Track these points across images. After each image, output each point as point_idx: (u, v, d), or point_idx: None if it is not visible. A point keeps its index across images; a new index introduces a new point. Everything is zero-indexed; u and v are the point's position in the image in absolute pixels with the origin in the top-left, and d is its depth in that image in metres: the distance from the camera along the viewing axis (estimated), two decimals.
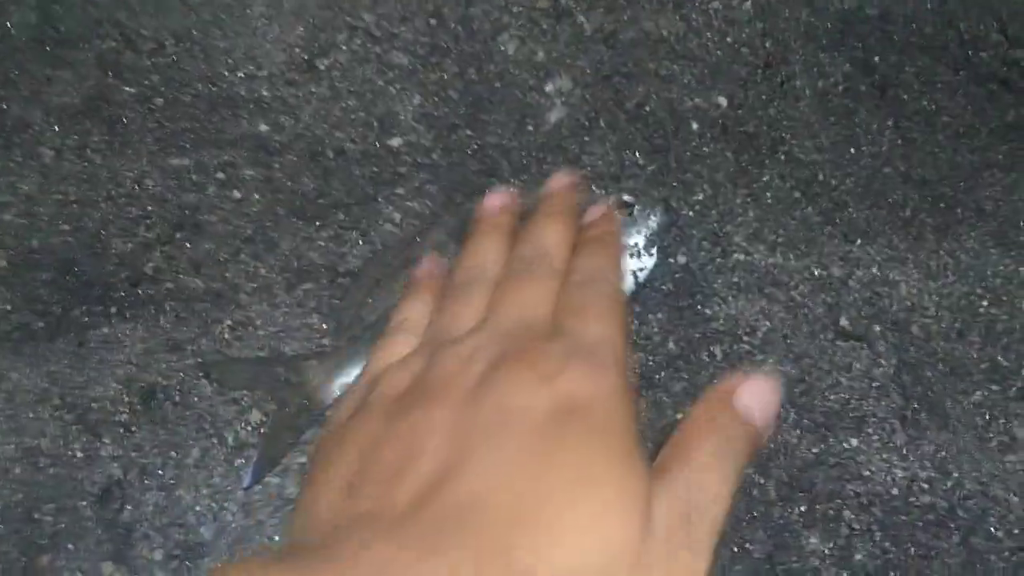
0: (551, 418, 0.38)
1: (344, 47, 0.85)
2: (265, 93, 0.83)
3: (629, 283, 0.71)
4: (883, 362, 0.71)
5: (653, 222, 0.72)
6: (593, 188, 0.77)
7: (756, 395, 0.43)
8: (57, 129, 0.82)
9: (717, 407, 0.42)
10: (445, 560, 0.34)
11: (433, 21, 0.86)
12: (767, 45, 0.84)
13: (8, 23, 0.91)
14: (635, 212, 0.72)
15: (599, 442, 0.38)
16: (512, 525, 0.35)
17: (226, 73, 0.84)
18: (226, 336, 0.74)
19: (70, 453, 0.70)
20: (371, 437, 0.41)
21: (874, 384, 0.70)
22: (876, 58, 0.84)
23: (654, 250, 0.71)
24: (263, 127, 0.81)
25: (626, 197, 0.73)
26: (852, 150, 0.81)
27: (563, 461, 0.37)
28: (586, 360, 0.41)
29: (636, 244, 0.71)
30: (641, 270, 0.71)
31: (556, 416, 0.38)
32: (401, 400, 0.43)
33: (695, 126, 0.81)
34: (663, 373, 0.71)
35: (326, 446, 0.44)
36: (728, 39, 0.85)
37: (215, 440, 0.71)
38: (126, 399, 0.72)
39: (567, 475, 0.37)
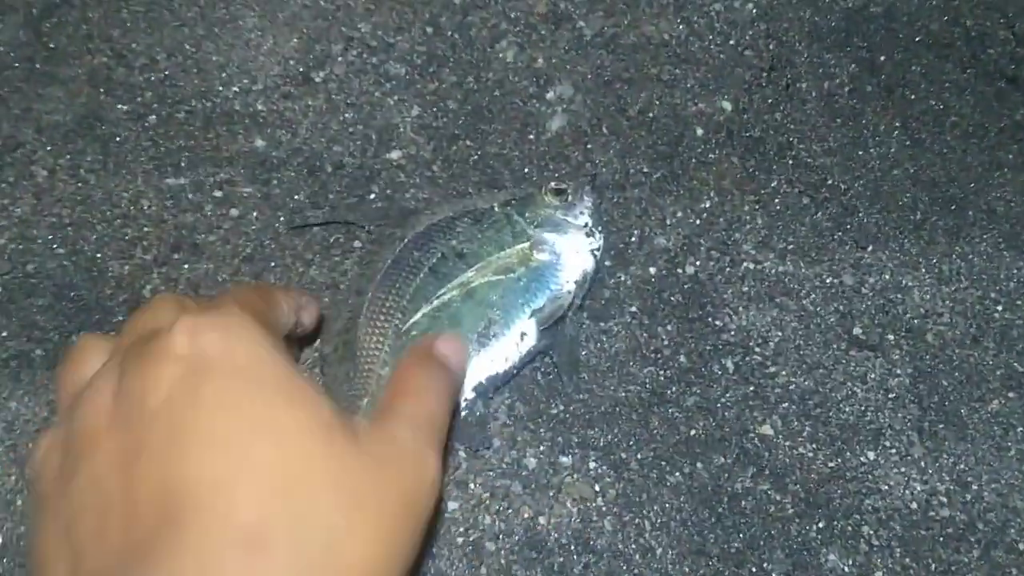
0: (191, 380, 0.40)
1: (340, 58, 0.83)
2: (261, 107, 0.81)
3: (590, 263, 0.71)
4: (898, 371, 0.69)
5: (588, 200, 0.73)
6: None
7: (449, 346, 0.57)
8: (50, 148, 0.80)
9: (422, 354, 0.56)
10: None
11: (430, 30, 0.85)
12: (771, 47, 0.83)
13: None
14: (569, 196, 0.73)
15: (247, 379, 0.41)
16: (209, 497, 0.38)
17: (221, 88, 0.82)
18: None
19: None
20: (62, 514, 0.42)
21: (890, 395, 0.69)
22: (882, 57, 0.83)
23: (601, 228, 0.73)
24: (260, 142, 0.80)
25: (554, 184, 0.73)
26: (860, 152, 0.79)
27: (216, 418, 0.39)
28: (207, 320, 0.42)
29: (587, 224, 0.72)
30: (597, 249, 0.72)
31: (195, 375, 0.40)
32: (62, 476, 0.43)
33: (700, 131, 0.80)
34: (674, 388, 0.70)
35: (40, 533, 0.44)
36: (731, 41, 0.84)
37: None
38: None
39: (229, 429, 0.39)
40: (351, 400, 0.65)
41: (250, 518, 0.38)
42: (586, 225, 0.72)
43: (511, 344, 0.68)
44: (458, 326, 0.67)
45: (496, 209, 0.72)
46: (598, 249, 0.72)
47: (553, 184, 0.73)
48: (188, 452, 0.39)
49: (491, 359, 0.68)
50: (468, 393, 0.67)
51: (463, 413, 0.67)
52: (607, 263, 0.74)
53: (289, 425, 0.40)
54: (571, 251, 0.71)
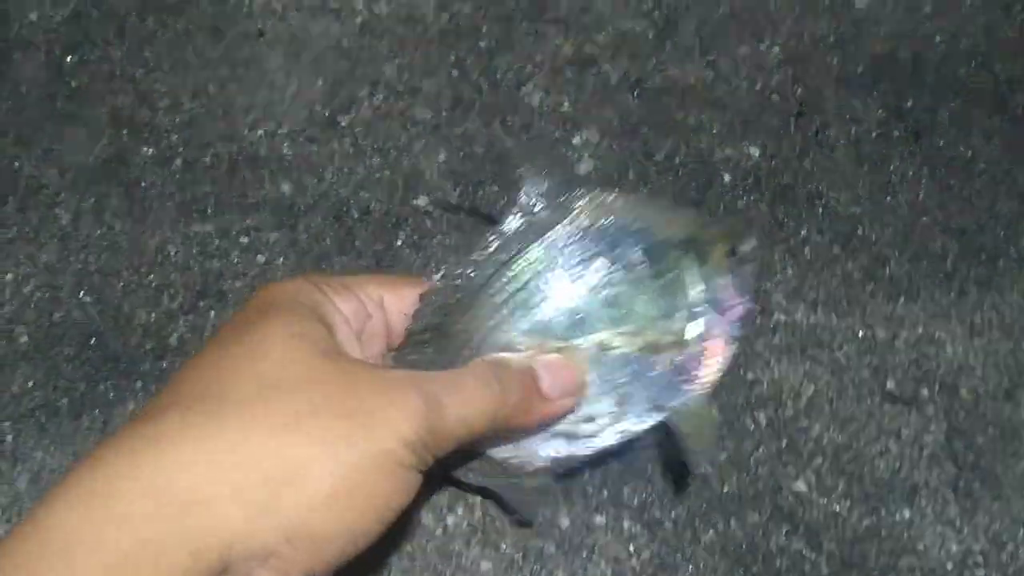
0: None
1: (366, 102, 0.83)
2: (287, 151, 0.81)
3: (729, 353, 0.54)
4: (933, 427, 0.69)
5: (748, 269, 0.54)
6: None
7: (561, 384, 0.51)
8: (73, 191, 0.80)
9: (522, 372, 0.49)
10: None
11: (456, 73, 0.84)
12: (798, 92, 0.83)
13: (18, 78, 0.89)
14: (738, 257, 0.54)
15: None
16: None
17: (246, 131, 0.82)
18: None
19: None
20: None
21: (925, 451, 0.68)
22: (909, 103, 0.83)
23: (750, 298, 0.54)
24: (286, 187, 0.79)
25: (746, 248, 0.54)
26: (888, 199, 0.79)
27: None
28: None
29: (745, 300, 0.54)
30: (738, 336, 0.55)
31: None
32: None
33: (728, 177, 0.79)
34: None
35: None
36: (757, 86, 0.83)
37: None
38: None
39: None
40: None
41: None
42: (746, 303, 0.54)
43: (614, 436, 0.54)
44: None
45: (671, 255, 0.52)
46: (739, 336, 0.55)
47: (746, 247, 0.54)
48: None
49: (586, 444, 0.54)
50: (543, 460, 0.55)
51: (527, 480, 0.55)
52: None
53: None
54: (720, 338, 0.54)
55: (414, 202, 0.79)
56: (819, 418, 0.70)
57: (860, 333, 0.73)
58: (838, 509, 0.68)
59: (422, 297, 0.51)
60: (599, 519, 0.67)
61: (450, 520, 0.67)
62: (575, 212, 0.52)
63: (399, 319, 0.52)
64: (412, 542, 0.67)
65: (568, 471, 0.59)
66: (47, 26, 0.91)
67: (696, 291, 0.53)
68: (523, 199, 0.53)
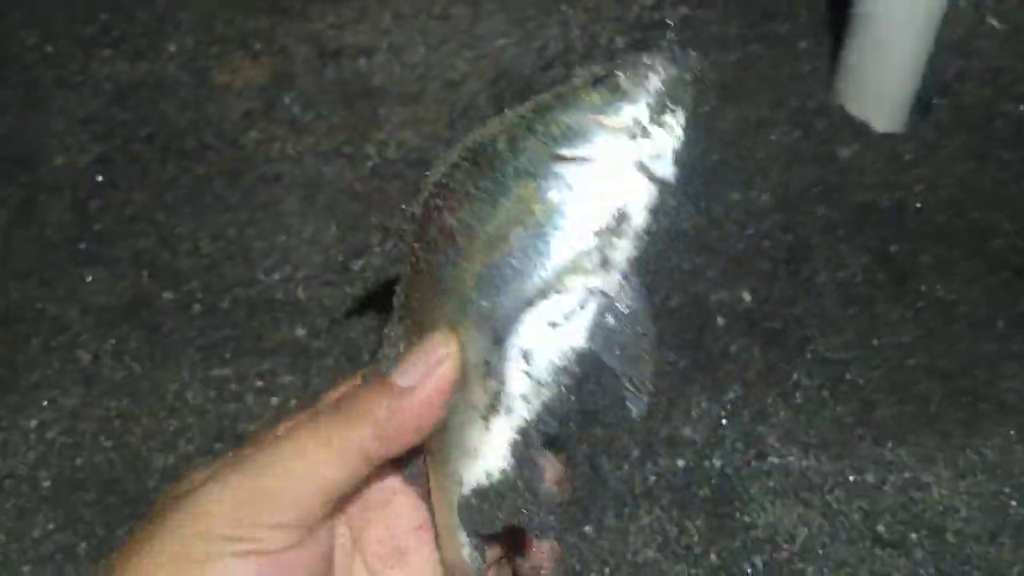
0: None
1: (377, 248, 0.87)
2: (302, 295, 0.85)
3: (641, 185, 0.42)
4: (922, 572, 0.71)
5: (655, 79, 0.42)
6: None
7: (414, 372, 0.42)
8: (94, 332, 0.83)
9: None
10: None
11: None
12: (787, 238, 0.87)
13: (43, 221, 0.93)
14: (622, 84, 0.42)
15: None
16: None
17: (263, 276, 0.86)
18: None
19: None
20: None
21: None
22: (893, 248, 0.87)
23: (671, 117, 0.43)
24: (300, 331, 0.83)
25: (598, 70, 0.42)
26: (875, 341, 0.83)
27: None
28: None
29: (636, 120, 0.42)
30: (657, 155, 0.42)
31: None
32: None
33: (721, 321, 0.83)
34: None
35: None
36: (748, 231, 0.88)
37: None
38: None
39: None
40: None
41: None
42: (636, 122, 0.42)
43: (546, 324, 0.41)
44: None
45: (497, 136, 0.43)
46: (655, 170, 0.42)
47: (596, 68, 0.42)
48: None
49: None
50: (507, 457, 0.42)
51: (498, 476, 0.43)
52: (636, 453, 0.76)
53: None
54: (602, 172, 0.42)
55: None
56: (813, 561, 0.73)
57: (851, 477, 0.76)
58: None
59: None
60: None
61: None
62: None
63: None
64: None
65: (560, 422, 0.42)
66: (72, 171, 0.96)
67: (538, 144, 0.43)
68: None
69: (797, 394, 0.80)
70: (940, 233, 0.89)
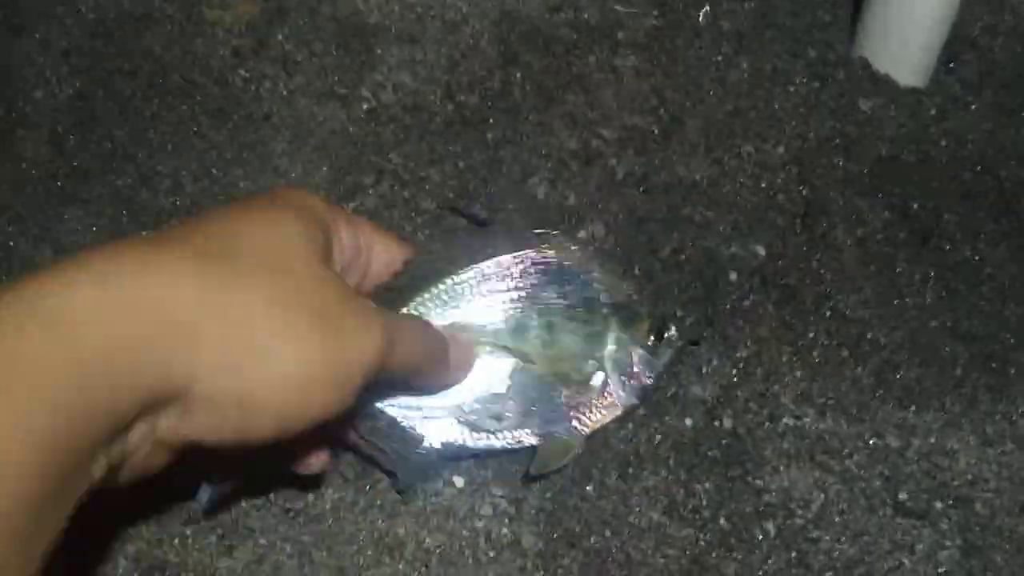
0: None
1: (371, 191, 0.82)
2: None
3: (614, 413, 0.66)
4: (948, 543, 0.67)
5: (666, 359, 0.68)
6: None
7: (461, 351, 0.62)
8: None
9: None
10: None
11: (461, 164, 0.84)
12: (803, 192, 0.82)
13: (20, 156, 0.88)
14: (664, 343, 0.67)
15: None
16: None
17: None
18: (243, 503, 0.70)
19: None
20: None
21: (940, 569, 0.66)
22: (915, 205, 0.82)
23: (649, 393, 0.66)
24: None
25: (666, 328, 0.68)
26: (895, 302, 0.78)
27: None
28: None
29: (646, 387, 0.67)
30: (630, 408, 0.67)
31: None
32: None
33: (734, 276, 0.78)
34: (715, 554, 0.67)
35: None
36: (762, 184, 0.83)
37: None
38: None
39: None
40: None
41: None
42: (646, 389, 0.67)
43: (505, 442, 0.65)
44: (508, 388, 0.63)
45: (607, 307, 0.66)
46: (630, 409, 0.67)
47: (665, 328, 0.66)
48: None
49: (479, 438, 0.64)
50: (437, 441, 0.64)
51: (416, 451, 0.63)
52: (640, 411, 0.72)
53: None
54: (609, 404, 0.67)
55: None
56: (830, 529, 0.68)
57: (871, 441, 0.71)
58: None
59: (405, 263, 0.62)
60: None
61: None
62: (542, 246, 0.67)
63: (379, 268, 0.60)
64: None
65: (453, 456, 0.65)
66: (52, 104, 0.91)
67: (610, 349, 0.65)
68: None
69: (814, 353, 0.75)
70: (965, 191, 0.84)
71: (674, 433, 0.71)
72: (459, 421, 0.63)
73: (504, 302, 0.64)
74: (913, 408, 0.72)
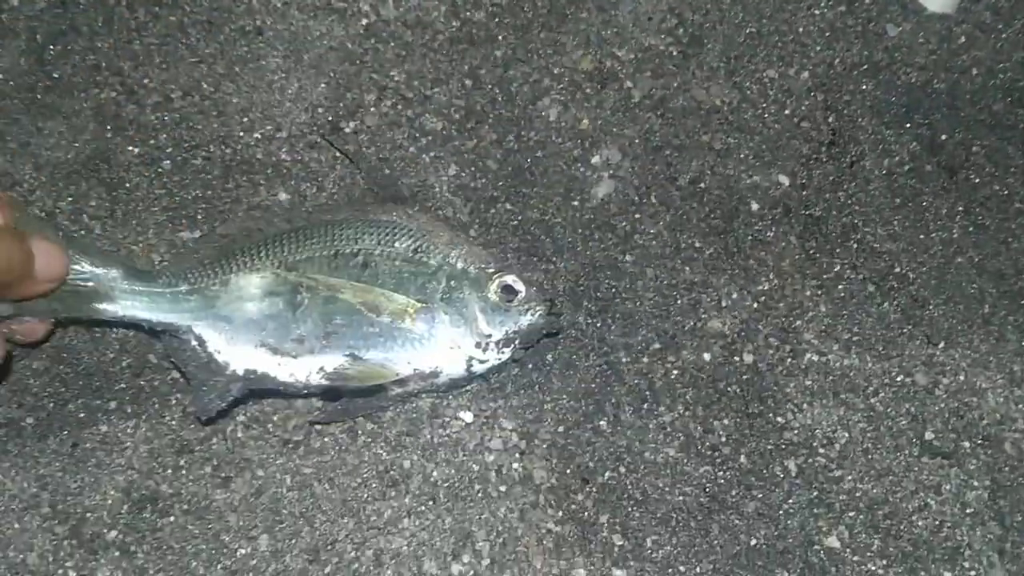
0: None
1: (373, 109, 0.77)
2: (285, 157, 0.75)
3: (457, 369, 0.66)
4: (976, 483, 0.64)
5: (525, 322, 0.66)
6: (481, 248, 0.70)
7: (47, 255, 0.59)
8: (49, 188, 0.73)
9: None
10: None
11: (469, 82, 0.79)
12: (829, 119, 0.78)
13: None
14: (514, 303, 0.66)
15: None
16: None
17: (241, 133, 0.76)
18: (239, 434, 0.66)
19: (62, 572, 0.61)
20: None
21: (968, 509, 0.64)
22: (943, 136, 0.79)
23: (509, 350, 0.66)
24: (283, 196, 0.74)
25: (511, 280, 0.67)
26: (921, 236, 0.75)
27: None
28: None
29: (488, 335, 0.65)
30: (480, 362, 0.66)
31: None
32: None
33: (755, 206, 0.75)
34: (734, 492, 0.64)
35: None
36: (786, 111, 0.79)
37: (229, 562, 0.62)
38: (125, 510, 0.63)
39: None
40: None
41: None
42: (488, 336, 0.66)
43: (308, 368, 0.64)
44: (298, 310, 0.64)
45: (440, 262, 0.67)
46: (483, 362, 0.66)
47: (510, 280, 0.66)
48: None
49: (282, 364, 0.64)
50: (240, 368, 0.64)
51: (216, 378, 0.63)
52: (656, 345, 0.68)
53: None
54: (447, 344, 0.66)
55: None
56: (853, 468, 0.66)
57: (898, 378, 0.68)
58: (873, 569, 0.63)
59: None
60: (618, 572, 0.62)
61: (455, 569, 0.62)
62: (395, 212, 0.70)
63: None
64: None
65: (259, 391, 0.65)
66: (29, 12, 0.85)
67: (443, 289, 0.66)
68: None
69: (839, 287, 0.72)
70: (995, 123, 0.80)
71: (691, 368, 0.68)
72: (260, 344, 0.64)
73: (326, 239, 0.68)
74: (942, 345, 0.69)
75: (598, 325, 0.70)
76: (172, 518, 0.63)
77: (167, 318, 0.64)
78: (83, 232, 0.72)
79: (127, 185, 0.73)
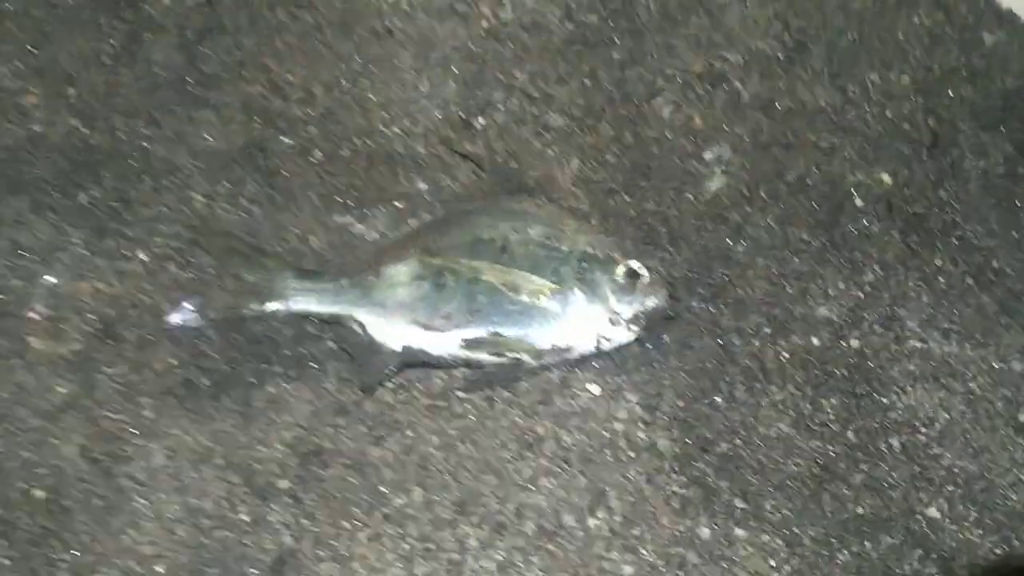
0: None
1: (501, 106, 0.84)
2: (421, 150, 0.82)
3: (588, 345, 0.72)
4: None
5: (650, 303, 0.72)
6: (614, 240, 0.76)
7: None
8: (206, 174, 0.80)
9: None
10: None
11: (588, 82, 0.85)
12: (930, 122, 0.83)
13: (149, 60, 0.90)
14: (638, 285, 0.73)
15: None
16: None
17: (383, 128, 0.83)
18: (388, 399, 0.73)
19: (236, 516, 0.69)
20: None
21: None
22: None
23: (636, 328, 0.72)
24: (421, 185, 0.80)
25: (635, 266, 0.73)
26: (1016, 235, 0.79)
27: None
28: None
29: (619, 313, 0.72)
30: (608, 340, 0.72)
31: None
32: None
33: (859, 202, 0.80)
34: (843, 464, 0.70)
35: None
36: (888, 113, 0.84)
37: (387, 511, 0.70)
38: (294, 463, 0.70)
39: None
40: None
41: None
42: (617, 313, 0.72)
43: (455, 341, 0.71)
44: (443, 291, 0.71)
45: (571, 247, 0.73)
46: (609, 340, 0.72)
47: (635, 265, 0.73)
48: None
49: (433, 339, 0.71)
50: (397, 345, 0.71)
51: (376, 355, 0.71)
52: (767, 330, 0.74)
53: None
54: (579, 321, 0.72)
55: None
56: (952, 447, 0.71)
57: (995, 365, 0.73)
58: (970, 537, 0.68)
59: None
60: (740, 532, 0.68)
61: (591, 522, 0.68)
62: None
63: None
64: (554, 541, 0.68)
65: (413, 363, 0.73)
66: (179, 10, 0.91)
67: (576, 272, 0.73)
68: None
69: (940, 279, 0.77)
70: None
71: (800, 351, 0.74)
72: (412, 322, 0.71)
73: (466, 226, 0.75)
74: None
75: (711, 310, 0.76)
76: (334, 471, 0.70)
77: (332, 309, 0.72)
78: (243, 215, 0.79)
79: (283, 172, 0.80)
